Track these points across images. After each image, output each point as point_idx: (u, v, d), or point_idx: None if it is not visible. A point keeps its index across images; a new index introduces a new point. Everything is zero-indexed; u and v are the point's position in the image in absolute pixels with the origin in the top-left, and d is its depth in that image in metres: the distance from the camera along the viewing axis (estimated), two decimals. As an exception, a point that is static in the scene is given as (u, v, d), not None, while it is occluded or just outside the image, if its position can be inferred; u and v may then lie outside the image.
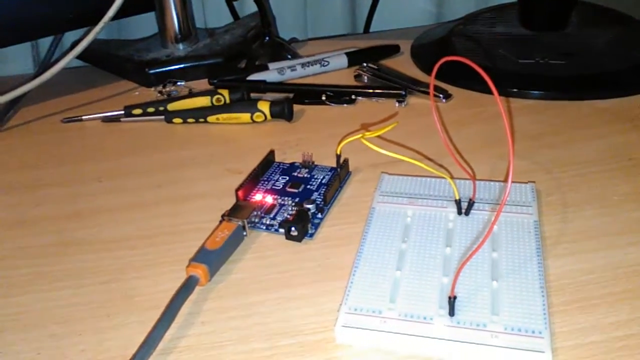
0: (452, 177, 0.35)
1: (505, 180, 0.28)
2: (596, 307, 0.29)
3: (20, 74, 0.62)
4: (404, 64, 0.57)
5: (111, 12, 0.49)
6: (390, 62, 0.58)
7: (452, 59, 0.26)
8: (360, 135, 0.33)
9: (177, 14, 0.58)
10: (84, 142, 0.48)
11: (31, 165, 0.46)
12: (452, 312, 0.27)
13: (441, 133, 0.33)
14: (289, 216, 0.36)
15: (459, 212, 0.34)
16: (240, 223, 0.34)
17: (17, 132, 0.51)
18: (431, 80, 0.29)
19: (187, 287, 0.30)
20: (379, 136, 0.36)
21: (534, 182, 0.37)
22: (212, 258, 0.32)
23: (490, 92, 0.25)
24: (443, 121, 0.47)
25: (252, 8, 0.62)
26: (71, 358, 0.28)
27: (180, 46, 0.59)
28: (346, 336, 0.27)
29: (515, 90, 0.50)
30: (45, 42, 0.62)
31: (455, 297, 0.27)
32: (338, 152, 0.38)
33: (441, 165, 0.41)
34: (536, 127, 0.46)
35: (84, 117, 0.51)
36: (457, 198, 0.34)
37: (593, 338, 0.27)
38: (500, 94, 0.52)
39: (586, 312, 0.29)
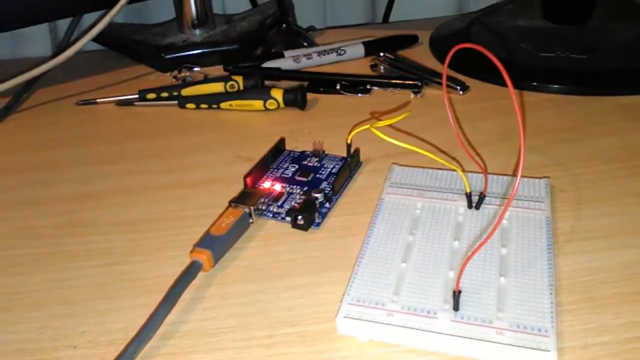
0: (463, 170, 0.34)
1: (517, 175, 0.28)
2: (606, 308, 0.28)
3: (38, 56, 0.63)
4: (422, 55, 0.57)
5: (128, -5, 0.49)
6: (408, 53, 0.57)
7: (465, 46, 0.25)
8: (369, 125, 0.33)
9: (194, 0, 0.58)
10: (98, 124, 0.49)
11: (45, 146, 0.46)
12: (456, 307, 0.27)
13: (452, 124, 0.32)
14: (296, 204, 0.36)
15: (469, 206, 0.33)
16: (246, 210, 0.34)
17: (32, 113, 0.51)
18: (444, 69, 0.29)
19: (190, 272, 0.30)
20: (391, 126, 0.35)
21: (548, 177, 0.36)
22: (216, 244, 0.31)
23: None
24: (460, 113, 0.46)
25: (272, -5, 0.61)
26: (72, 339, 0.28)
27: (197, 32, 0.59)
28: (347, 327, 0.27)
29: (534, 84, 0.49)
30: (65, 24, 0.62)
31: (460, 292, 0.27)
32: (348, 142, 0.38)
33: (454, 158, 0.40)
34: (554, 122, 0.45)
35: (98, 100, 0.51)
36: (468, 191, 0.33)
37: (601, 339, 0.26)
38: (519, 87, 0.51)
39: (596, 312, 0.28)
